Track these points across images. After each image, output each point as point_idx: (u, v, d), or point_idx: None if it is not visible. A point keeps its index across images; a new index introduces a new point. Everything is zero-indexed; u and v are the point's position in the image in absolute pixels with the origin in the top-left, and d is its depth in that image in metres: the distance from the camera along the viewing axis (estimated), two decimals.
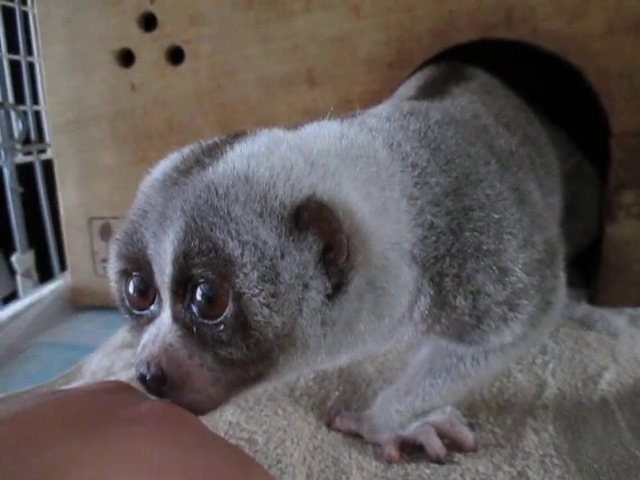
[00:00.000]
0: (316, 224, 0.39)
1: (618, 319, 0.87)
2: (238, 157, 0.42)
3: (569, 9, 0.85)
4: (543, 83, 0.96)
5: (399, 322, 0.49)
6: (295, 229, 0.39)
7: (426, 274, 0.48)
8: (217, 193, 0.40)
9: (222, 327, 0.39)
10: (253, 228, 0.39)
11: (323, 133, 0.47)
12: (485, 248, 0.50)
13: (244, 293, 0.38)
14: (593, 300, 0.94)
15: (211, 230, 0.39)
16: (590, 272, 0.97)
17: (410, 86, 0.86)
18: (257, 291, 0.38)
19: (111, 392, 0.37)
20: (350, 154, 0.45)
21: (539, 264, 0.54)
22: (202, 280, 0.39)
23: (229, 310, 0.38)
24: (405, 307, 0.48)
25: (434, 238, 0.48)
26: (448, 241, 0.49)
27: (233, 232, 0.39)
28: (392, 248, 0.45)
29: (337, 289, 0.41)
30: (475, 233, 0.50)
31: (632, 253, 0.91)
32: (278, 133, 0.46)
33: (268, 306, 0.38)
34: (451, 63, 0.88)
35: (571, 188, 0.89)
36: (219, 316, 0.39)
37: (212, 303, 0.39)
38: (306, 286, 0.40)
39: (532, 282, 0.52)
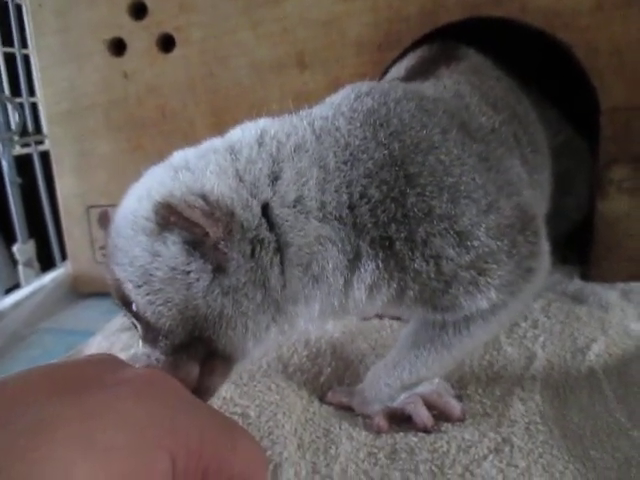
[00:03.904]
0: (169, 222, 0.46)
1: (610, 293, 0.88)
2: (125, 198, 0.52)
3: None
4: (534, 60, 0.96)
5: (348, 281, 0.52)
6: (159, 234, 0.47)
7: (364, 237, 0.51)
8: (113, 234, 0.51)
9: (142, 329, 0.50)
10: (129, 250, 0.48)
11: (224, 138, 0.54)
12: (438, 212, 0.52)
13: (132, 301, 0.49)
14: (586, 276, 0.95)
15: (111, 265, 0.50)
16: (583, 249, 0.97)
17: (401, 67, 0.86)
18: (136, 297, 0.48)
19: (98, 362, 0.38)
20: (242, 146, 0.52)
21: (508, 229, 0.54)
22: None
23: (136, 316, 0.50)
24: (340, 261, 0.51)
25: (368, 206, 0.51)
26: (391, 209, 0.51)
27: (118, 260, 0.49)
28: (289, 206, 0.50)
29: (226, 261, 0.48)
30: (424, 198, 0.52)
31: (624, 228, 0.92)
32: (177, 156, 0.53)
33: (151, 303, 0.47)
34: (444, 44, 0.88)
35: (562, 164, 0.89)
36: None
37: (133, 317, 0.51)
38: (187, 273, 0.47)
39: (500, 247, 0.53)
